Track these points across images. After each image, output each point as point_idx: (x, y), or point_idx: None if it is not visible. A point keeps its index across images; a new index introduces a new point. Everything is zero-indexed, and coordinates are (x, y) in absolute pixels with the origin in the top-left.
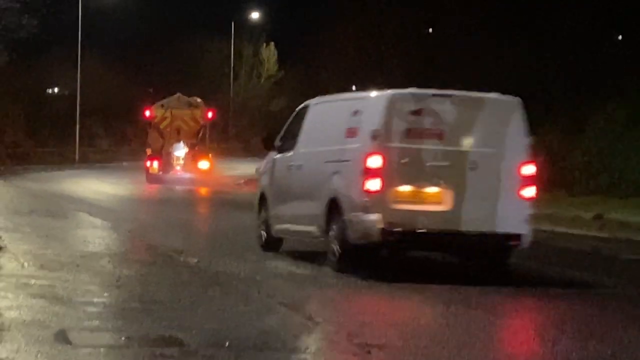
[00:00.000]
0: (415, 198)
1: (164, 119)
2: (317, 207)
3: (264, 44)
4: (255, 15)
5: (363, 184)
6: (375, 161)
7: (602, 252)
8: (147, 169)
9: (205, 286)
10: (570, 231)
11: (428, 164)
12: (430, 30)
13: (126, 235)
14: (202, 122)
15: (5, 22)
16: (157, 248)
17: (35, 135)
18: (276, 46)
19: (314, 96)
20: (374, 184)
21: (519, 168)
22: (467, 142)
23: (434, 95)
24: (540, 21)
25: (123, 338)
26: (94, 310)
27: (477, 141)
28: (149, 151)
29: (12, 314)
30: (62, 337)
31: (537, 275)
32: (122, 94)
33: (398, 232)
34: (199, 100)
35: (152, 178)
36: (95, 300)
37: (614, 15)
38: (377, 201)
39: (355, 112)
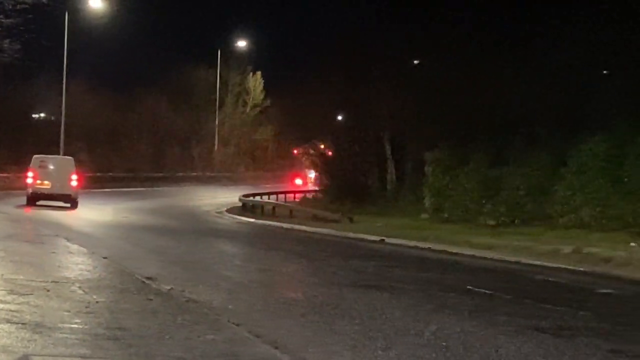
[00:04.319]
0: None
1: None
2: None
3: (251, 73)
4: (241, 44)
5: None
6: None
7: (579, 285)
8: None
9: (176, 314)
10: (548, 264)
11: None
12: (417, 62)
13: (101, 262)
14: None
15: None
16: (131, 274)
17: (19, 160)
18: (262, 75)
19: (299, 126)
20: None
21: None
22: None
23: None
24: (525, 54)
25: None
26: (61, 337)
27: None
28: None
29: None
30: None
31: (512, 307)
32: (107, 120)
33: None
34: None
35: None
36: (63, 326)
37: (599, 49)
38: None
39: None
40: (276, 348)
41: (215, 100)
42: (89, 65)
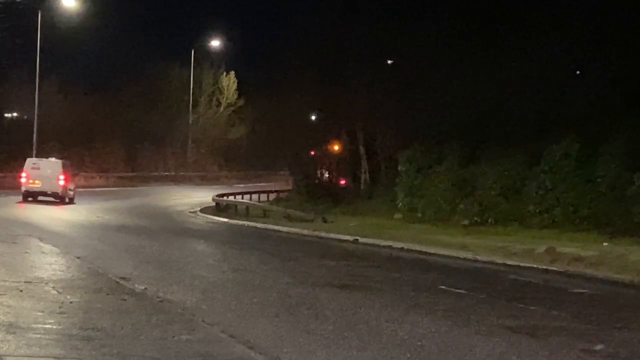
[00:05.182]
0: None
1: None
2: None
3: (224, 73)
4: (215, 43)
5: None
6: None
7: (552, 285)
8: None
9: (150, 314)
10: (522, 264)
11: None
12: (390, 61)
13: (75, 262)
14: None
15: None
16: (105, 274)
17: None
18: (236, 75)
19: (273, 125)
20: None
21: None
22: None
23: None
24: (498, 54)
25: None
26: (34, 337)
27: None
28: None
29: None
30: None
31: (486, 307)
32: (81, 120)
33: None
34: None
35: None
36: (36, 326)
37: (572, 50)
38: None
39: None
40: (250, 348)
41: (189, 100)
42: (62, 64)
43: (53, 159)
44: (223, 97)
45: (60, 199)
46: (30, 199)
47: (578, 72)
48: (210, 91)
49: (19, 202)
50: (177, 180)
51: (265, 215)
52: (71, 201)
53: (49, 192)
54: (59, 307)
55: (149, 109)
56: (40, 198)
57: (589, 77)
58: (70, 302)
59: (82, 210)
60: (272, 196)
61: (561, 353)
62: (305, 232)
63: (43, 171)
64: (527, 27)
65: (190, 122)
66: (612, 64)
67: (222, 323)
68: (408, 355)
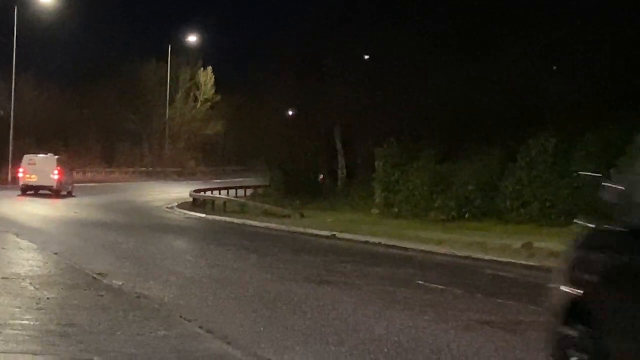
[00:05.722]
0: None
1: None
2: None
3: (201, 68)
4: (192, 39)
5: None
6: None
7: (529, 280)
8: None
9: (127, 310)
10: (499, 259)
11: None
12: (367, 57)
13: (52, 257)
14: None
15: None
16: (82, 270)
17: None
18: (213, 71)
19: (250, 120)
20: None
21: None
22: None
23: None
24: (475, 50)
25: None
26: (11, 333)
27: None
28: None
29: None
30: None
31: (463, 302)
32: (57, 116)
33: None
34: None
35: None
36: (13, 322)
37: (550, 46)
38: None
39: None
40: (228, 343)
41: (166, 95)
42: (38, 60)
43: (48, 155)
44: (200, 93)
45: (55, 192)
46: (30, 192)
47: (555, 67)
48: (187, 87)
49: (19, 195)
50: (154, 176)
51: (242, 210)
52: (69, 194)
53: (45, 186)
54: (36, 303)
55: (126, 105)
56: (40, 192)
57: (566, 73)
58: (47, 298)
59: (60, 206)
60: (250, 191)
61: (538, 348)
62: (283, 227)
63: (39, 166)
64: (505, 23)
65: (167, 117)
66: (590, 61)
67: (200, 319)
68: (385, 350)
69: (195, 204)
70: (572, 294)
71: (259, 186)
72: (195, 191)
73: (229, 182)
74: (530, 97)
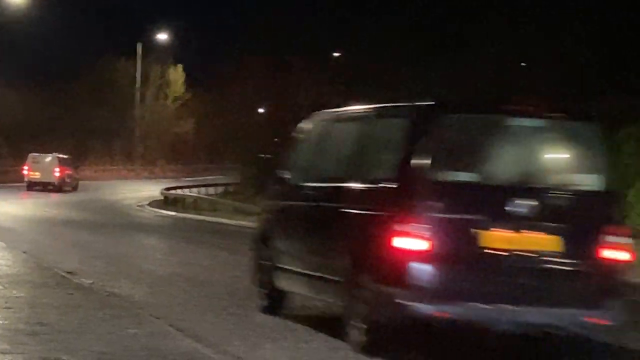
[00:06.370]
0: None
1: None
2: None
3: (172, 66)
4: (162, 36)
5: None
6: None
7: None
8: None
9: (97, 308)
10: None
11: None
12: (337, 54)
13: (21, 256)
14: None
15: None
16: (51, 269)
17: None
18: (184, 68)
19: (221, 118)
20: None
21: None
22: None
23: None
24: (447, 46)
25: None
26: None
27: None
28: None
29: None
30: None
31: None
32: (28, 115)
33: None
34: None
35: None
36: None
37: (520, 42)
38: None
39: None
40: (198, 341)
41: (136, 93)
42: (8, 58)
43: (51, 154)
44: (170, 91)
45: (56, 187)
46: (37, 187)
47: (523, 64)
48: (157, 84)
49: (25, 191)
50: (125, 174)
51: (213, 208)
52: (74, 189)
53: (47, 182)
54: (5, 302)
55: (97, 103)
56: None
57: (536, 69)
58: (16, 297)
59: (30, 204)
60: (221, 189)
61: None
62: (253, 225)
63: (41, 164)
64: (477, 20)
65: (137, 116)
66: (560, 56)
67: (170, 317)
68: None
69: (166, 202)
70: (262, 229)
71: (230, 184)
72: (167, 189)
73: (201, 180)
74: (500, 92)
